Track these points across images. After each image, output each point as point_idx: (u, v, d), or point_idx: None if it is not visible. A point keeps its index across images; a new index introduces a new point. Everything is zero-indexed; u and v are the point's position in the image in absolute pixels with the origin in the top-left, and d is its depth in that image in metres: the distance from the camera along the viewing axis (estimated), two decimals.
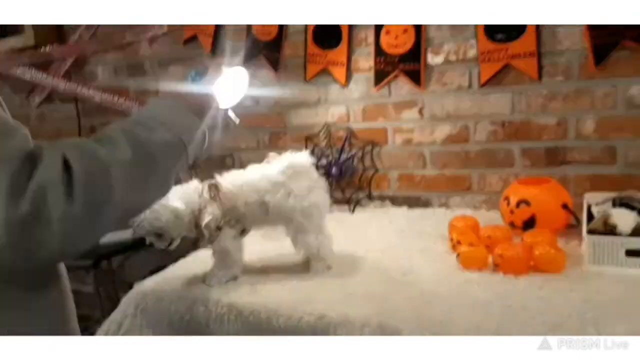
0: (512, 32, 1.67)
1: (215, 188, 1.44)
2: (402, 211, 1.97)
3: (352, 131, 2.04)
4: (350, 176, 2.05)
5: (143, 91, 2.56)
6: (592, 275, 1.28)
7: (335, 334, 1.20)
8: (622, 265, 1.28)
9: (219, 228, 1.43)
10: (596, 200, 1.55)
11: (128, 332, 1.53)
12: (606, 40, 1.56)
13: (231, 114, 1.86)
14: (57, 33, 2.65)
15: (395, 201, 2.04)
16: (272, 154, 1.59)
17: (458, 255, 1.42)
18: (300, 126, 2.17)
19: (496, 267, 1.36)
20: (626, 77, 1.57)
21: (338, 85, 2.03)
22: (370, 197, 2.06)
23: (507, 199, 1.59)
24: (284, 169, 1.51)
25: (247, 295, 1.38)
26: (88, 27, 2.53)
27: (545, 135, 1.72)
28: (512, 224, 1.57)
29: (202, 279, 1.48)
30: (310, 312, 1.25)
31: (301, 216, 1.53)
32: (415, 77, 1.86)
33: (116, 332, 1.54)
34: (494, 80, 1.75)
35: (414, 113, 1.92)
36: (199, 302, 1.42)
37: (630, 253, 1.27)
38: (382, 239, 1.69)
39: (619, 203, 1.48)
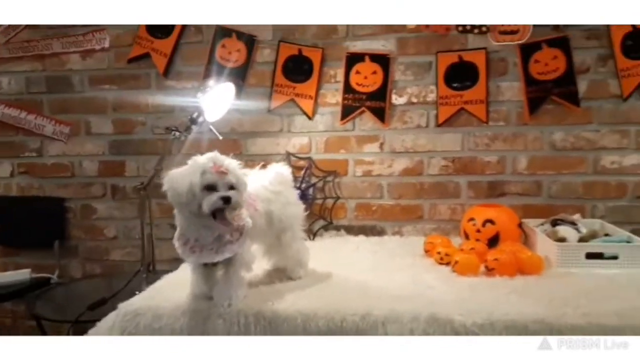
0: (466, 82, 2.00)
1: None
2: (361, 239, 2.07)
3: (313, 161, 2.12)
4: (310, 205, 2.10)
5: (62, 108, 2.28)
6: (563, 274, 1.54)
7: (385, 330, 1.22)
8: (584, 266, 1.57)
9: None
10: (535, 223, 1.88)
11: None
12: (538, 95, 1.97)
13: (213, 129, 1.83)
14: None
15: (350, 230, 2.14)
16: (245, 170, 1.57)
17: (455, 262, 1.57)
18: (257, 155, 2.16)
19: (490, 271, 1.53)
20: (551, 126, 1.99)
21: (303, 117, 2.11)
22: (328, 226, 2.12)
23: (472, 219, 1.82)
24: (275, 177, 1.52)
25: (275, 303, 1.32)
26: (5, 30, 2.21)
27: (488, 170, 2.04)
28: (476, 242, 1.79)
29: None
30: (354, 312, 1.25)
31: (297, 223, 1.54)
32: (380, 115, 2.05)
33: None
34: (448, 122, 2.03)
35: (375, 147, 2.09)
36: (215, 316, 1.30)
37: (590, 256, 1.57)
38: (362, 261, 1.75)
39: (556, 223, 1.82)
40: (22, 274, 2.16)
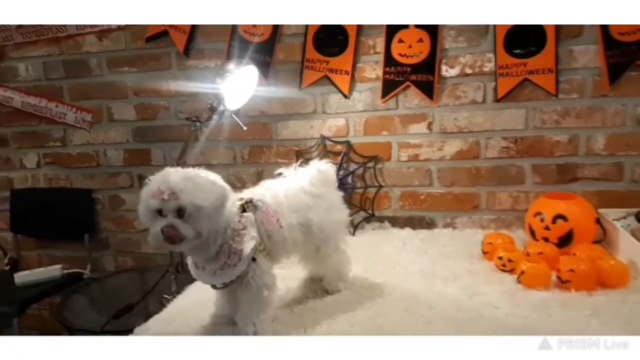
0: (530, 48, 1.68)
1: (254, 207, 1.17)
2: (408, 233, 1.85)
3: (352, 145, 1.89)
4: (349, 195, 1.88)
5: (82, 94, 2.14)
6: None
7: None
8: None
9: (253, 259, 1.13)
10: (615, 215, 1.59)
11: None
12: (620, 60, 1.63)
13: (236, 118, 1.62)
14: None
15: (396, 222, 1.91)
16: (281, 169, 1.36)
17: (522, 273, 1.32)
18: (289, 139, 1.95)
19: (564, 283, 1.28)
20: (636, 97, 1.65)
21: (338, 95, 1.87)
22: (370, 218, 1.90)
23: (539, 214, 1.55)
24: (317, 177, 1.31)
25: (307, 330, 1.14)
26: None
27: (557, 152, 1.74)
28: (545, 240, 1.53)
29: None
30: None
31: (341, 231, 1.35)
32: (428, 90, 1.78)
33: None
34: (510, 96, 1.73)
35: (422, 127, 1.83)
36: None
37: None
38: (409, 265, 1.53)
39: None
40: (53, 271, 2.09)
